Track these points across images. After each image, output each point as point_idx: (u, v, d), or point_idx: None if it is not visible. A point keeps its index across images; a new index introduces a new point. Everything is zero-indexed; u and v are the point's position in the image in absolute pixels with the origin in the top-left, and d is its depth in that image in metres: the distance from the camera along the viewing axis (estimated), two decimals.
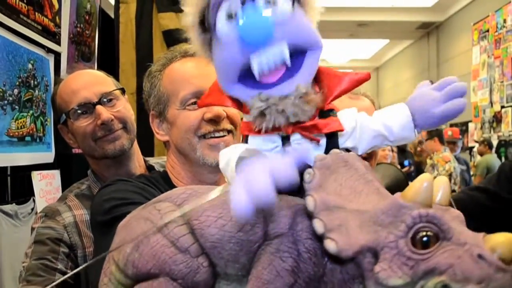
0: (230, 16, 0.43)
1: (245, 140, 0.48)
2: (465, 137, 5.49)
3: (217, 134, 0.82)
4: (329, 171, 0.40)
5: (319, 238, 0.39)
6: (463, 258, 0.34)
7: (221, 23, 0.44)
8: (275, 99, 0.43)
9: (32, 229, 1.04)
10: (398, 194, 0.38)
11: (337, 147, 0.47)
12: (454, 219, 0.37)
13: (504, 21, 4.71)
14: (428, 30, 7.15)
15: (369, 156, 0.96)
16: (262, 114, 0.43)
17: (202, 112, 0.81)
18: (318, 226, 0.37)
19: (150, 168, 1.12)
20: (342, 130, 0.47)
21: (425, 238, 0.35)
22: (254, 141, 0.47)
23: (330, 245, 0.36)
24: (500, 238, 0.34)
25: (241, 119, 0.51)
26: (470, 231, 0.36)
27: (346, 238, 0.36)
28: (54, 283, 0.63)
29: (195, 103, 0.81)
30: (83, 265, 0.89)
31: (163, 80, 0.86)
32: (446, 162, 3.10)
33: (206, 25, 0.45)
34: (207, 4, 0.44)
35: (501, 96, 4.71)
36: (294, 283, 0.38)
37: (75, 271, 0.66)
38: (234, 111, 0.83)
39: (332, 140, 0.47)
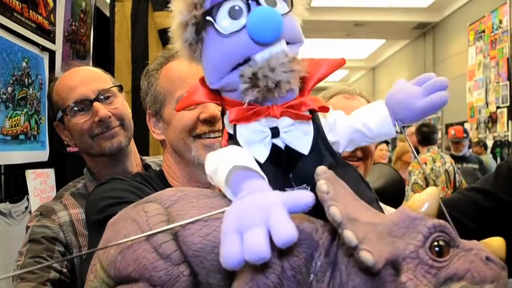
0: (233, 13, 0.44)
1: (233, 129, 0.47)
2: None
3: (212, 135, 0.82)
4: (332, 184, 0.40)
5: (306, 255, 0.39)
6: (475, 262, 0.36)
7: (224, 21, 0.44)
8: (264, 61, 0.43)
9: (27, 227, 1.03)
10: (404, 206, 0.39)
11: (323, 134, 0.48)
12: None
13: (500, 22, 4.74)
14: (424, 31, 7.19)
15: (365, 156, 0.96)
16: (255, 79, 0.43)
17: (198, 112, 0.81)
18: (352, 237, 0.35)
19: (146, 166, 1.12)
20: (327, 109, 0.48)
21: (438, 247, 0.37)
22: (242, 133, 0.46)
23: (368, 257, 0.34)
24: (497, 242, 0.38)
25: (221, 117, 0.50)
26: (464, 240, 0.39)
27: (375, 250, 0.36)
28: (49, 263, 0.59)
29: None
30: (73, 256, 0.88)
31: (159, 79, 0.86)
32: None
33: (198, 23, 0.45)
34: (202, 1, 0.44)
35: (497, 96, 4.74)
36: None
37: (69, 257, 0.62)
38: None
39: (317, 129, 0.48)
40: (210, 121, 0.81)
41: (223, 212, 0.39)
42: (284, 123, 0.46)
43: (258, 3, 0.44)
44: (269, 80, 0.43)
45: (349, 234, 0.35)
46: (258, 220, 0.35)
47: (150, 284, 0.41)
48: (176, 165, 0.86)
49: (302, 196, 0.37)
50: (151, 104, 0.87)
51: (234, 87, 0.45)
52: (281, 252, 0.38)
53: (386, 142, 5.12)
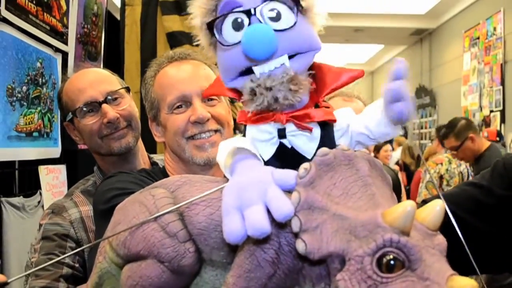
0: (235, 25, 0.45)
1: (243, 130, 0.49)
2: None
3: (203, 135, 0.85)
4: (328, 167, 0.40)
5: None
6: None
7: (227, 31, 0.45)
8: (264, 78, 0.44)
9: (40, 225, 1.06)
10: (379, 212, 0.38)
11: (332, 140, 0.48)
12: (434, 248, 0.36)
13: (494, 29, 4.83)
14: (421, 37, 7.29)
15: None
16: (252, 94, 0.45)
17: (188, 115, 0.84)
18: (294, 224, 0.37)
19: (154, 164, 1.15)
20: (334, 121, 0.48)
21: (392, 262, 0.35)
22: (251, 131, 0.48)
23: (299, 246, 0.37)
24: (463, 282, 0.34)
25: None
26: (442, 265, 0.35)
27: (318, 241, 0.37)
28: (63, 256, 0.62)
29: (180, 106, 0.84)
30: (85, 247, 0.91)
31: (154, 86, 0.89)
32: (436, 164, 3.09)
33: (212, 28, 0.46)
34: (214, 8, 0.46)
35: (490, 101, 4.81)
36: (273, 274, 0.39)
37: (76, 250, 0.62)
38: (220, 111, 0.86)
39: (327, 133, 0.48)
40: (199, 123, 0.84)
41: (223, 188, 0.42)
42: (290, 127, 0.47)
43: (260, 18, 0.44)
44: (266, 98, 0.44)
45: (293, 221, 0.38)
46: (255, 197, 0.38)
47: (158, 260, 0.43)
48: (176, 164, 0.90)
49: (289, 177, 0.39)
50: (149, 110, 0.91)
51: (240, 88, 0.47)
52: (278, 229, 0.40)
53: (390, 143, 5.16)
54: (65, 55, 1.82)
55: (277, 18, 0.44)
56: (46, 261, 0.96)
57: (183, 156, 0.86)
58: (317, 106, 0.49)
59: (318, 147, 0.47)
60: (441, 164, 3.07)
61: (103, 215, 0.73)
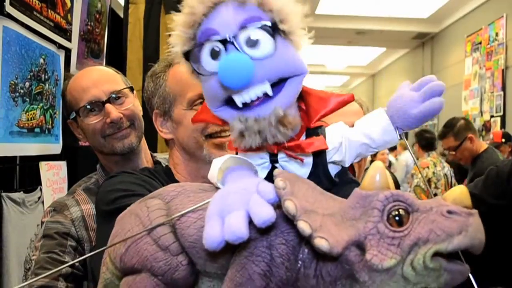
0: (213, 54, 0.44)
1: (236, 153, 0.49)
2: None
3: (223, 134, 0.85)
4: (292, 182, 0.40)
5: (293, 243, 0.40)
6: (437, 220, 0.35)
7: (205, 60, 0.44)
8: (252, 121, 0.44)
9: (42, 223, 1.06)
10: (356, 189, 0.39)
11: (325, 164, 0.49)
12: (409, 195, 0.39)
13: (496, 34, 4.84)
14: (423, 40, 7.30)
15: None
16: (241, 134, 0.44)
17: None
18: (305, 227, 0.36)
19: (157, 163, 1.13)
20: (326, 149, 0.47)
21: (397, 217, 0.36)
22: (243, 156, 0.48)
23: (322, 243, 0.36)
24: (456, 191, 0.37)
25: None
26: (427, 199, 0.38)
27: (332, 236, 0.37)
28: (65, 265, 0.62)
29: (201, 103, 0.84)
30: (86, 256, 0.91)
31: (168, 81, 0.87)
32: (423, 168, 3.11)
33: (188, 58, 0.46)
34: (193, 37, 0.45)
35: (491, 106, 4.83)
36: (265, 287, 0.39)
37: (79, 259, 0.67)
38: None
39: (319, 159, 0.48)
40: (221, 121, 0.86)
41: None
42: (282, 154, 0.48)
43: (236, 46, 0.42)
44: (255, 141, 0.44)
45: (302, 225, 0.37)
46: (237, 204, 0.38)
47: (152, 274, 0.43)
48: (185, 162, 0.89)
49: (270, 191, 0.39)
50: (159, 104, 0.89)
51: (227, 120, 0.47)
52: (269, 241, 0.40)
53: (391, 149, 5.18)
54: (68, 51, 1.82)
55: (255, 45, 0.43)
56: (46, 259, 0.97)
57: (198, 154, 0.85)
58: (307, 129, 0.49)
59: (311, 172, 0.48)
60: (428, 167, 3.10)
61: (105, 216, 0.73)
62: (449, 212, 0.36)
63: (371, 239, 0.36)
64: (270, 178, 0.47)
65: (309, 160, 0.48)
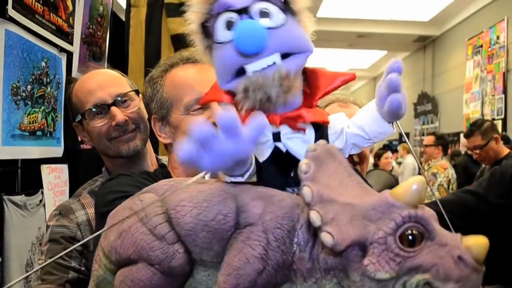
0: (228, 25, 0.46)
1: None
2: (456, 147, 5.62)
3: None
4: (319, 162, 0.40)
5: (288, 227, 0.41)
6: (445, 258, 0.36)
7: (220, 31, 0.46)
8: (256, 76, 0.45)
9: (47, 226, 1.06)
10: (387, 192, 0.39)
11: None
12: (432, 217, 0.38)
13: (497, 37, 4.85)
14: (425, 44, 7.31)
15: (360, 161, 1.05)
16: (245, 92, 0.45)
17: (207, 117, 0.82)
18: (316, 218, 0.37)
19: (162, 166, 1.12)
20: (327, 122, 0.49)
21: (411, 237, 0.36)
22: None
23: (327, 239, 0.36)
24: (476, 240, 0.37)
25: None
26: (448, 232, 0.38)
27: (339, 232, 0.37)
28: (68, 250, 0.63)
29: (199, 108, 0.84)
30: (76, 245, 0.88)
31: (165, 86, 0.87)
32: (444, 169, 3.24)
33: (207, 32, 0.48)
34: (209, 12, 0.47)
35: (492, 109, 4.83)
36: (263, 270, 0.40)
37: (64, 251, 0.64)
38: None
39: (321, 136, 0.49)
40: None
41: (203, 177, 0.44)
42: (285, 130, 0.48)
43: (251, 17, 0.45)
44: (258, 95, 0.45)
45: (313, 215, 0.37)
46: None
47: (148, 263, 0.43)
48: (183, 166, 0.87)
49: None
50: (157, 109, 0.89)
51: (235, 90, 0.47)
52: (265, 226, 0.41)
53: (391, 150, 5.20)
54: (70, 55, 1.83)
55: (267, 16, 0.46)
56: (52, 264, 0.96)
57: None
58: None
59: None
60: (447, 168, 3.24)
61: (103, 217, 0.74)
62: (459, 257, 0.36)
63: (375, 246, 0.37)
64: (273, 158, 0.48)
65: (311, 136, 0.49)
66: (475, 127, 2.64)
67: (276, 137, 0.48)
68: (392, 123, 0.51)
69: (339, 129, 0.51)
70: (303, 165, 0.40)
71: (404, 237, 0.36)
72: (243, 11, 0.45)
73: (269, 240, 0.41)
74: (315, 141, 0.49)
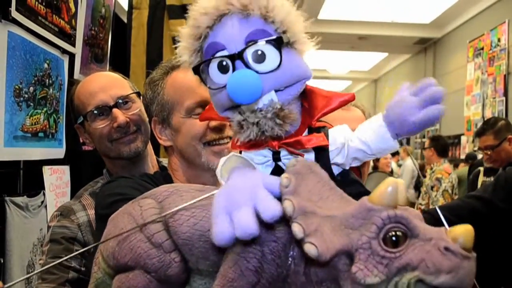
0: (221, 68, 0.45)
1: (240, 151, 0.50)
2: (457, 149, 5.62)
3: (221, 141, 0.85)
4: (300, 177, 0.41)
5: (284, 241, 0.41)
6: (432, 252, 0.35)
7: (214, 73, 0.46)
8: (249, 112, 0.45)
9: (48, 227, 1.07)
10: (365, 198, 0.39)
11: (327, 161, 0.49)
12: (416, 217, 0.38)
13: (498, 40, 4.85)
14: (426, 46, 7.31)
15: (361, 164, 1.05)
16: (240, 125, 0.45)
17: (208, 121, 0.83)
18: (298, 230, 0.37)
19: (162, 168, 1.13)
20: (326, 145, 0.48)
21: (394, 238, 0.36)
22: (247, 155, 0.49)
23: (311, 249, 0.36)
24: (460, 229, 0.36)
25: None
26: (432, 227, 0.38)
27: (323, 242, 0.37)
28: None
29: (200, 111, 0.84)
30: (80, 250, 0.91)
31: (166, 88, 0.88)
32: (448, 174, 3.15)
33: (199, 73, 0.47)
34: (200, 48, 0.46)
35: (493, 111, 4.82)
36: (257, 282, 0.40)
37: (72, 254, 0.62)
38: None
39: (322, 156, 0.49)
40: (219, 129, 0.84)
41: (209, 197, 0.43)
42: (285, 151, 0.48)
43: (244, 61, 0.43)
44: (253, 132, 0.45)
45: (295, 228, 0.37)
46: (244, 200, 0.38)
47: (145, 271, 0.43)
48: (184, 168, 0.89)
49: (275, 186, 0.40)
50: (157, 112, 0.89)
51: (231, 121, 0.48)
52: (261, 238, 0.41)
53: (391, 153, 5.19)
54: (72, 56, 1.84)
55: (261, 60, 0.44)
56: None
57: (198, 162, 0.85)
58: (310, 128, 0.50)
59: None
60: (451, 173, 3.17)
61: (103, 219, 0.75)
62: (446, 248, 0.35)
63: (361, 252, 0.37)
64: (274, 175, 0.46)
65: (310, 157, 0.48)
66: (488, 125, 2.34)
67: (276, 157, 0.49)
68: (397, 139, 0.50)
69: (340, 145, 0.51)
70: (283, 179, 0.40)
71: (388, 239, 0.36)
72: (236, 57, 0.44)
73: (264, 253, 0.41)
74: (316, 160, 0.48)
